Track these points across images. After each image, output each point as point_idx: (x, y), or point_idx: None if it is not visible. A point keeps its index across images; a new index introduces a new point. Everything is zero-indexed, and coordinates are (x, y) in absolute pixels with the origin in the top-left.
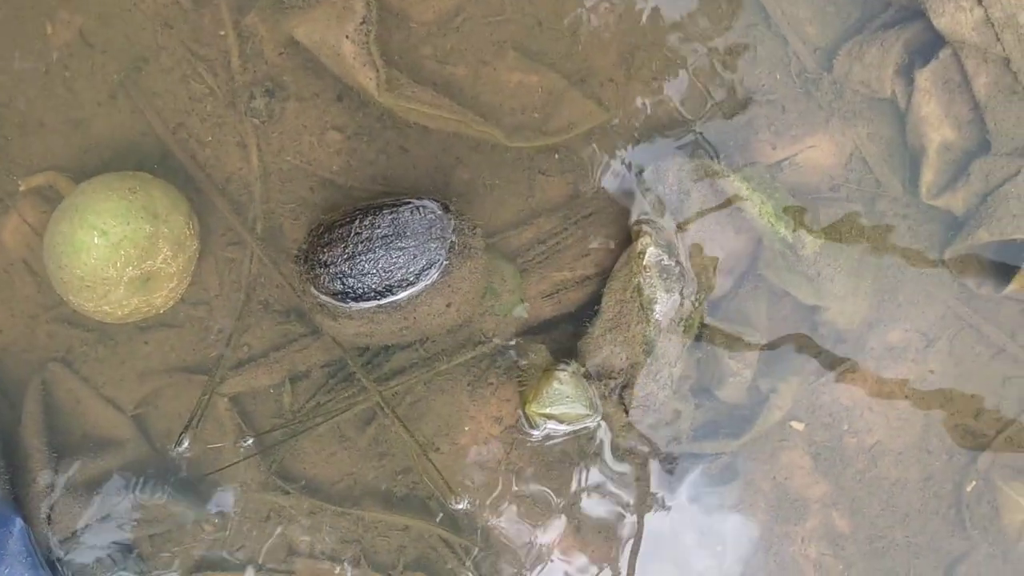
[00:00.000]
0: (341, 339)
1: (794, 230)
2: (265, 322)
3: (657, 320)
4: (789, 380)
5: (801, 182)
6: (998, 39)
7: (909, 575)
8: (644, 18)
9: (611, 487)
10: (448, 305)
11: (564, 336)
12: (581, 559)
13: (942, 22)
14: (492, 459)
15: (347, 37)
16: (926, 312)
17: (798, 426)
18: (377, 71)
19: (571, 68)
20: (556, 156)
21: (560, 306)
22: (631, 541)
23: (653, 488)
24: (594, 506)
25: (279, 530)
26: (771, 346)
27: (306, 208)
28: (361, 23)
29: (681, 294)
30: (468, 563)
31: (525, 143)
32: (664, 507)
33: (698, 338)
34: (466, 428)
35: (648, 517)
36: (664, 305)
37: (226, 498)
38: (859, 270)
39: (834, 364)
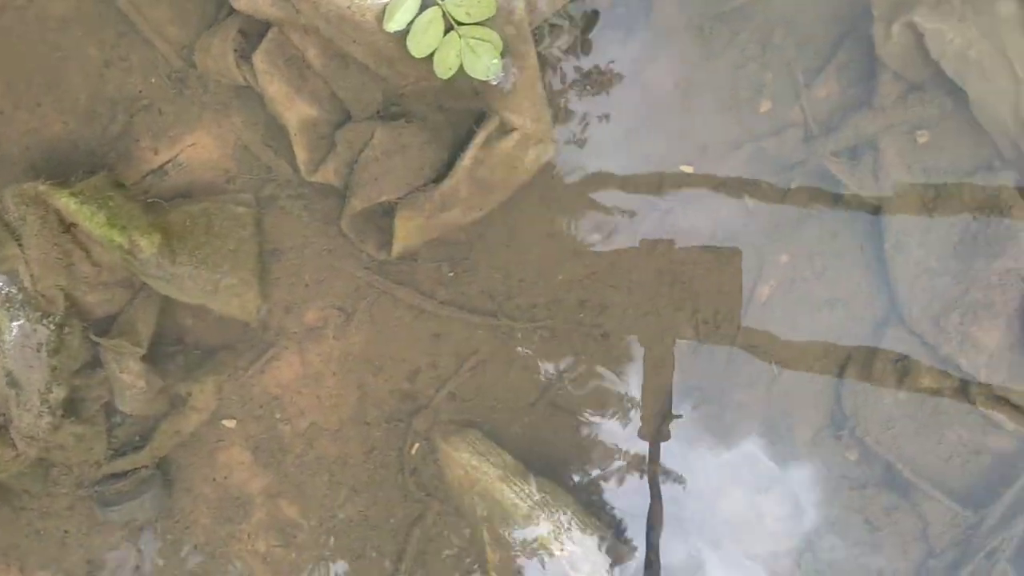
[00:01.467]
0: None
1: (129, 236)
2: None
3: (9, 350)
4: (204, 381)
5: (194, 180)
6: (297, 11)
7: (366, 549)
8: (24, 46)
9: (44, 521)
10: None
11: None
12: None
13: (238, 4)
14: None
15: None
16: (336, 287)
17: (230, 424)
18: None
19: None
20: None
21: None
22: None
23: (92, 517)
24: (38, 545)
25: None
26: (196, 349)
27: None
28: None
29: (31, 320)
30: None
31: None
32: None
33: (97, 357)
34: None
35: (86, 540)
36: (12, 334)
37: None
38: (235, 261)
39: (258, 356)
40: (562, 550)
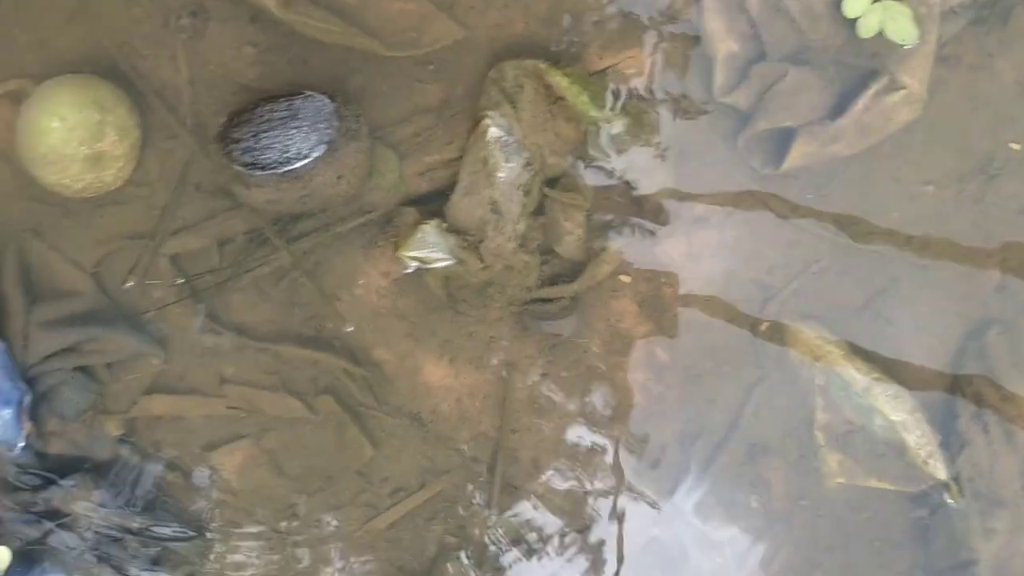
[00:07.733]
0: (256, 207)
1: (605, 114)
2: (197, 200)
3: (500, 184)
4: (614, 241)
5: (625, 84)
6: None
7: (716, 397)
8: None
9: (477, 326)
10: (339, 177)
11: (437, 206)
12: (456, 385)
13: None
14: (382, 305)
15: None
16: (726, 189)
17: (625, 279)
18: None
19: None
20: (431, 67)
21: (432, 182)
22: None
23: (512, 330)
24: (469, 344)
25: (213, 363)
26: (605, 212)
27: (228, 108)
28: None
29: (519, 164)
30: (364, 387)
31: (399, 53)
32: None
33: (540, 208)
34: (360, 281)
35: (506, 346)
36: (504, 172)
37: (169, 338)
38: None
39: (655, 230)
40: (896, 416)
